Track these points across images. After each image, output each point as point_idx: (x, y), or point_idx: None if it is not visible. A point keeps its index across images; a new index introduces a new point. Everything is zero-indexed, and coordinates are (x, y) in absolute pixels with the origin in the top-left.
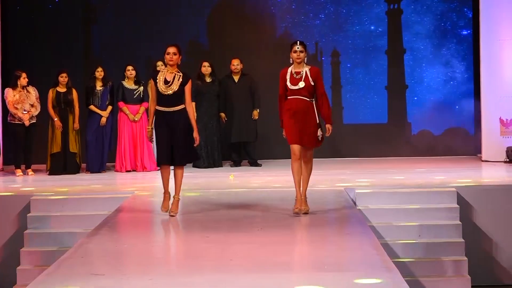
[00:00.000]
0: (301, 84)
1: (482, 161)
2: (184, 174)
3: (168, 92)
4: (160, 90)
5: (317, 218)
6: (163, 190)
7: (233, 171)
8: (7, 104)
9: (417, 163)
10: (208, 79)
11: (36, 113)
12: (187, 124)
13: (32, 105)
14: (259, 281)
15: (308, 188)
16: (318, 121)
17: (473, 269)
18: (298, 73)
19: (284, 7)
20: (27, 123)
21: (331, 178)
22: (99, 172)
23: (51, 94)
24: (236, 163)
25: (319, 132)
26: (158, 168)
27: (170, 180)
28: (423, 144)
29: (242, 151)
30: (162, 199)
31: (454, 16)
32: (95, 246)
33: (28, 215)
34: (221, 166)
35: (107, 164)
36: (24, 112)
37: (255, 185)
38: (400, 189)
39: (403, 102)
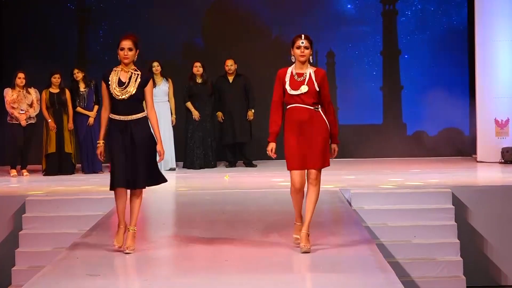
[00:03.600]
0: (304, 89)
1: (477, 161)
2: (177, 175)
3: (123, 96)
4: (113, 94)
5: (312, 219)
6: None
7: (228, 172)
8: (5, 103)
9: (412, 164)
10: (199, 80)
11: (34, 114)
12: (149, 137)
13: (30, 105)
14: (254, 281)
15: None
16: (329, 132)
17: (468, 269)
18: (300, 74)
19: (279, 8)
20: (23, 123)
21: (326, 178)
22: (94, 172)
23: (44, 95)
24: (231, 164)
25: (333, 145)
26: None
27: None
28: (418, 144)
29: (237, 151)
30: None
31: (449, 17)
32: (90, 247)
33: (23, 215)
34: (216, 166)
35: (103, 164)
36: (21, 112)
37: (250, 186)
38: (395, 189)
39: (398, 102)
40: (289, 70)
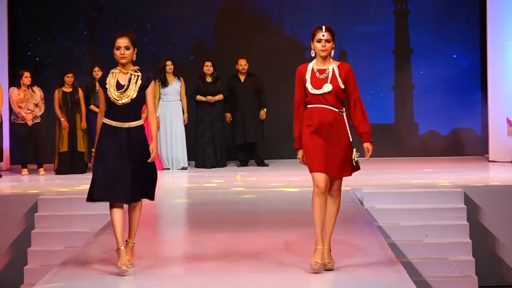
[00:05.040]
0: (327, 87)
1: (489, 161)
2: (189, 174)
3: (123, 101)
4: (111, 98)
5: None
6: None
7: (240, 171)
8: (11, 102)
9: (424, 163)
10: (209, 79)
11: (40, 113)
12: (146, 148)
13: (36, 105)
14: (266, 281)
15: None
16: (351, 139)
17: (480, 269)
18: (322, 71)
19: (291, 7)
20: (29, 122)
21: None
22: None
23: (57, 94)
24: (243, 163)
25: (355, 154)
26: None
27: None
28: (430, 144)
29: (249, 151)
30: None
31: (461, 16)
32: (102, 246)
33: (35, 214)
34: (225, 166)
35: None
36: (28, 112)
37: (262, 185)
38: (407, 189)
39: (410, 102)
40: (310, 66)
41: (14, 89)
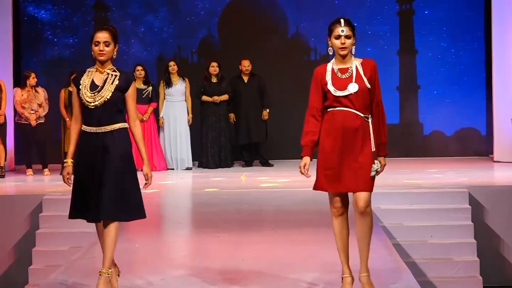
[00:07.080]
0: (353, 88)
1: (494, 161)
2: (193, 175)
3: (96, 103)
4: (83, 100)
5: (328, 219)
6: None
7: (245, 171)
8: (14, 103)
9: (429, 164)
10: (214, 80)
11: (44, 113)
12: (127, 155)
13: (40, 105)
14: (271, 281)
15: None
16: (373, 149)
17: (484, 269)
18: (344, 70)
19: (295, 7)
20: (33, 123)
21: None
22: None
23: (63, 94)
24: (248, 163)
25: (376, 166)
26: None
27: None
28: (435, 144)
29: (253, 151)
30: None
31: (466, 17)
32: None
33: (40, 214)
34: (232, 166)
35: None
36: (31, 112)
37: (267, 185)
38: (412, 189)
39: (415, 102)
40: (329, 66)
41: (17, 90)
